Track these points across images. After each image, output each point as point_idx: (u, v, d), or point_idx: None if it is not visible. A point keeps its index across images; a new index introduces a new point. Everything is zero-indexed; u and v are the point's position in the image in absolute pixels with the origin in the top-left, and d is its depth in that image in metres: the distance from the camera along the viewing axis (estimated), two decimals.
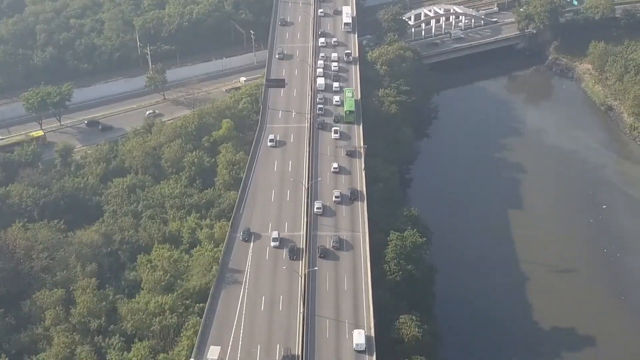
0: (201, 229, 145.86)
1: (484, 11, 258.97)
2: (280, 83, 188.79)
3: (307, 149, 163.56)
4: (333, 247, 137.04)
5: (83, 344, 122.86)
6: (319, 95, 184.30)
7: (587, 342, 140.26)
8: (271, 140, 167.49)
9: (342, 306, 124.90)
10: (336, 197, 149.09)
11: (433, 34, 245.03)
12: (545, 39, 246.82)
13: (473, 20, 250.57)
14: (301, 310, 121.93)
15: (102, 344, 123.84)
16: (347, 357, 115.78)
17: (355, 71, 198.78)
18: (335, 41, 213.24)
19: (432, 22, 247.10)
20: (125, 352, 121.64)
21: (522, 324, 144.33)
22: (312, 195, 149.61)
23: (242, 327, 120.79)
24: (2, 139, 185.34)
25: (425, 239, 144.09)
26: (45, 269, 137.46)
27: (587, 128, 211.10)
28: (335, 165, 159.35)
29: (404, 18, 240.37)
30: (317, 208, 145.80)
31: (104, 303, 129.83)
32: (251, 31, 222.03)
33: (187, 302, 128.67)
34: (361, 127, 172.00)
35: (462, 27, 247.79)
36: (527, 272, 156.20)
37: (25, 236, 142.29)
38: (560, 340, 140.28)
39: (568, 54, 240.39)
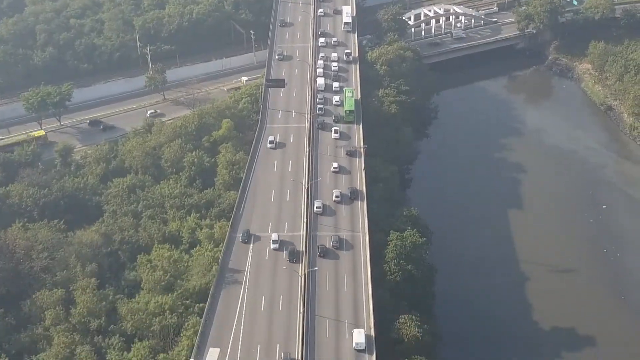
0: (201, 229, 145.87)
1: (483, 11, 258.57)
2: (280, 83, 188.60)
3: (307, 149, 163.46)
4: (333, 246, 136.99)
5: (83, 344, 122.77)
6: (319, 95, 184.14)
7: (587, 342, 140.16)
8: (271, 142, 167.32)
9: (342, 306, 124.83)
10: (336, 196, 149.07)
11: (433, 34, 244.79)
12: (545, 39, 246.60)
13: (473, 20, 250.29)
14: (301, 310, 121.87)
15: (102, 344, 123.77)
16: (347, 357, 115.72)
17: (355, 71, 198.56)
18: (335, 41, 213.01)
19: (432, 22, 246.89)
20: (125, 352, 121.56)
21: (522, 324, 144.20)
22: (312, 195, 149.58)
23: (242, 327, 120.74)
24: (2, 139, 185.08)
25: (425, 239, 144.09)
26: (45, 269, 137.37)
27: (587, 128, 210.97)
28: (335, 165, 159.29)
29: (404, 18, 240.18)
30: (317, 207, 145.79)
31: (104, 303, 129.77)
32: (251, 31, 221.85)
33: (187, 302, 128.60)
34: (361, 127, 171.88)
35: (462, 27, 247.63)
36: (527, 272, 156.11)
37: (25, 236, 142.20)
38: (560, 340, 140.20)
39: (568, 54, 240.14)
